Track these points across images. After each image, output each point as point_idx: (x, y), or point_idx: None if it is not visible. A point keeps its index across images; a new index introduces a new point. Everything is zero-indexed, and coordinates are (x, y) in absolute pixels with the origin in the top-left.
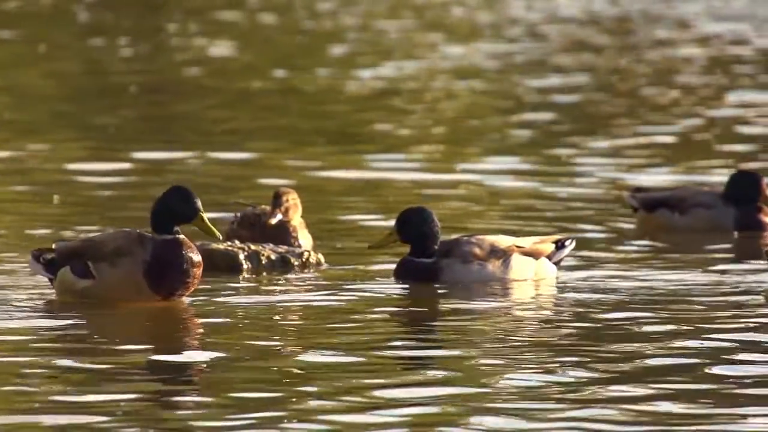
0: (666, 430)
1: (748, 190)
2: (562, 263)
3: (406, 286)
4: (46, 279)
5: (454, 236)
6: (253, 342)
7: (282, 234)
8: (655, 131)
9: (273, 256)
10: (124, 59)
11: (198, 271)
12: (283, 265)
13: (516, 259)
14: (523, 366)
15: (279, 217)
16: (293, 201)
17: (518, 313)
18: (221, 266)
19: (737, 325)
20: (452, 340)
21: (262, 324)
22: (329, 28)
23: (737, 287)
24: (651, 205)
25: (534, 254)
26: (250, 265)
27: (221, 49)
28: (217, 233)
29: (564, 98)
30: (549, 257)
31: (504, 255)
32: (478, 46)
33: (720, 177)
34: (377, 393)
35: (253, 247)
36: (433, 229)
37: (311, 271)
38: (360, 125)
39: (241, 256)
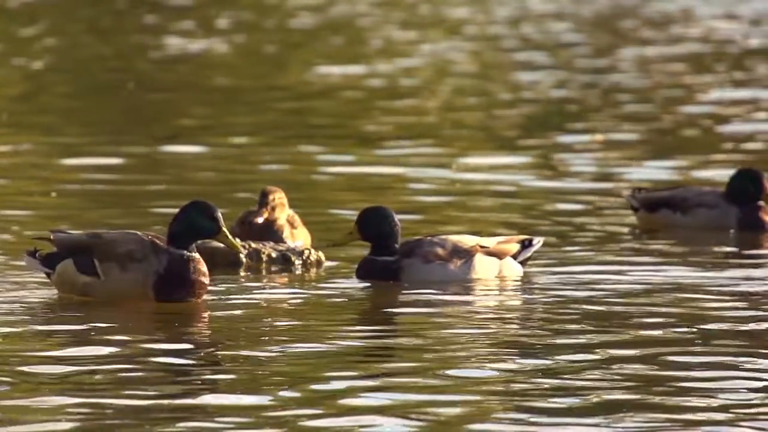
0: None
1: (750, 189)
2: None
3: (371, 285)
4: (44, 274)
5: (417, 237)
6: (234, 342)
7: (268, 233)
8: (637, 128)
9: (274, 254)
10: (110, 56)
11: (204, 290)
12: (283, 263)
13: (479, 258)
14: (476, 360)
15: (265, 215)
16: (279, 200)
17: (478, 311)
18: (222, 264)
19: (722, 323)
20: (408, 336)
21: (246, 323)
22: (313, 25)
23: (731, 284)
24: (652, 205)
25: (498, 254)
26: (250, 263)
27: (206, 46)
28: (240, 248)
29: (547, 95)
30: (514, 256)
31: (466, 255)
32: (462, 44)
33: (704, 173)
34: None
35: (253, 245)
36: (393, 227)
37: (311, 269)
38: (347, 122)
39: (242, 254)
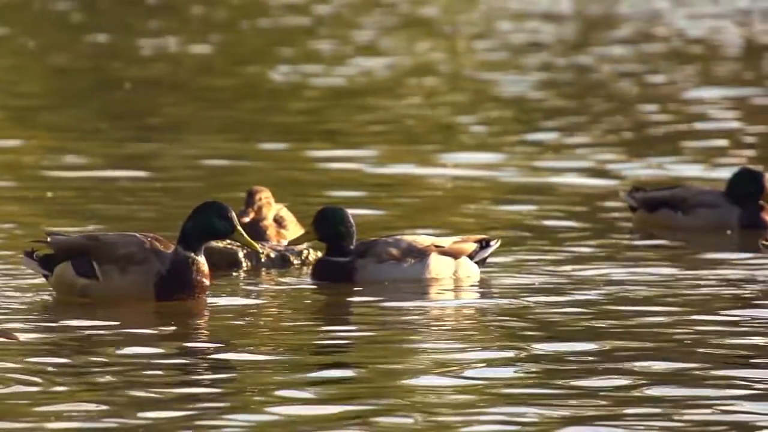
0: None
1: (750, 189)
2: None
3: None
4: (42, 275)
5: (372, 237)
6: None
7: (254, 233)
8: (621, 127)
9: (272, 254)
10: (98, 56)
11: (204, 291)
12: (282, 263)
13: (433, 258)
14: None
15: (252, 215)
16: (266, 199)
17: (430, 311)
18: (221, 264)
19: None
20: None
21: (243, 322)
22: (295, 26)
23: (732, 284)
24: (652, 204)
25: (454, 253)
26: (249, 263)
27: (192, 46)
28: (256, 246)
29: (532, 94)
30: (471, 256)
31: (421, 255)
32: (447, 44)
33: (690, 171)
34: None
35: None
36: (349, 228)
37: (310, 269)
38: (325, 120)
39: (240, 254)
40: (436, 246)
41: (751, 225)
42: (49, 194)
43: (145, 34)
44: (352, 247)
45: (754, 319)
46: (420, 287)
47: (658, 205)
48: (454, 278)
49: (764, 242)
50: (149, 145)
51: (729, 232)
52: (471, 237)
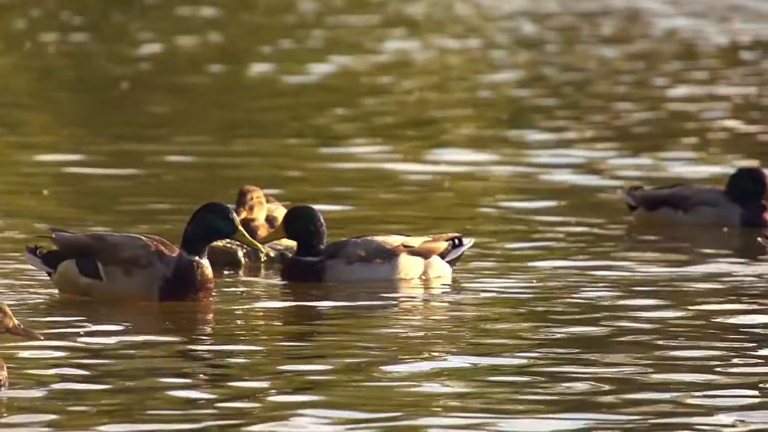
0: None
1: (751, 187)
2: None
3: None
4: (45, 272)
5: (344, 238)
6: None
7: (246, 232)
8: (607, 125)
9: (272, 253)
10: (80, 55)
11: (208, 294)
12: (281, 262)
13: (403, 258)
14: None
15: (243, 215)
16: (258, 199)
17: (399, 310)
18: (220, 264)
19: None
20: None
21: (242, 321)
22: (283, 23)
23: (733, 283)
24: (652, 203)
25: (424, 253)
26: (248, 262)
27: (181, 44)
28: (258, 245)
29: (518, 93)
30: (442, 255)
31: (390, 255)
32: (433, 42)
33: (682, 168)
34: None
35: None
36: (319, 227)
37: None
38: (314, 118)
39: (240, 253)
40: (406, 246)
41: (752, 223)
42: (45, 192)
43: (127, 34)
44: (322, 246)
45: (754, 317)
46: (389, 287)
47: (658, 204)
48: (424, 278)
49: (764, 239)
50: (137, 144)
51: (725, 229)
52: (442, 236)
